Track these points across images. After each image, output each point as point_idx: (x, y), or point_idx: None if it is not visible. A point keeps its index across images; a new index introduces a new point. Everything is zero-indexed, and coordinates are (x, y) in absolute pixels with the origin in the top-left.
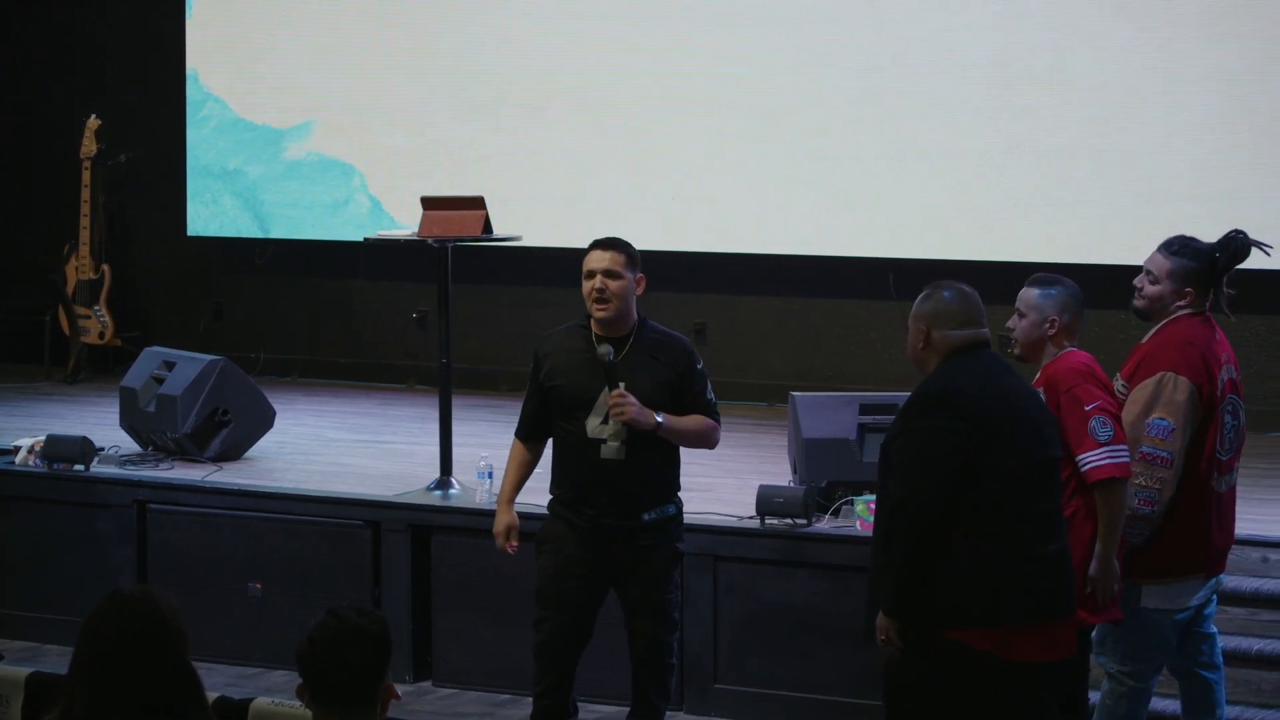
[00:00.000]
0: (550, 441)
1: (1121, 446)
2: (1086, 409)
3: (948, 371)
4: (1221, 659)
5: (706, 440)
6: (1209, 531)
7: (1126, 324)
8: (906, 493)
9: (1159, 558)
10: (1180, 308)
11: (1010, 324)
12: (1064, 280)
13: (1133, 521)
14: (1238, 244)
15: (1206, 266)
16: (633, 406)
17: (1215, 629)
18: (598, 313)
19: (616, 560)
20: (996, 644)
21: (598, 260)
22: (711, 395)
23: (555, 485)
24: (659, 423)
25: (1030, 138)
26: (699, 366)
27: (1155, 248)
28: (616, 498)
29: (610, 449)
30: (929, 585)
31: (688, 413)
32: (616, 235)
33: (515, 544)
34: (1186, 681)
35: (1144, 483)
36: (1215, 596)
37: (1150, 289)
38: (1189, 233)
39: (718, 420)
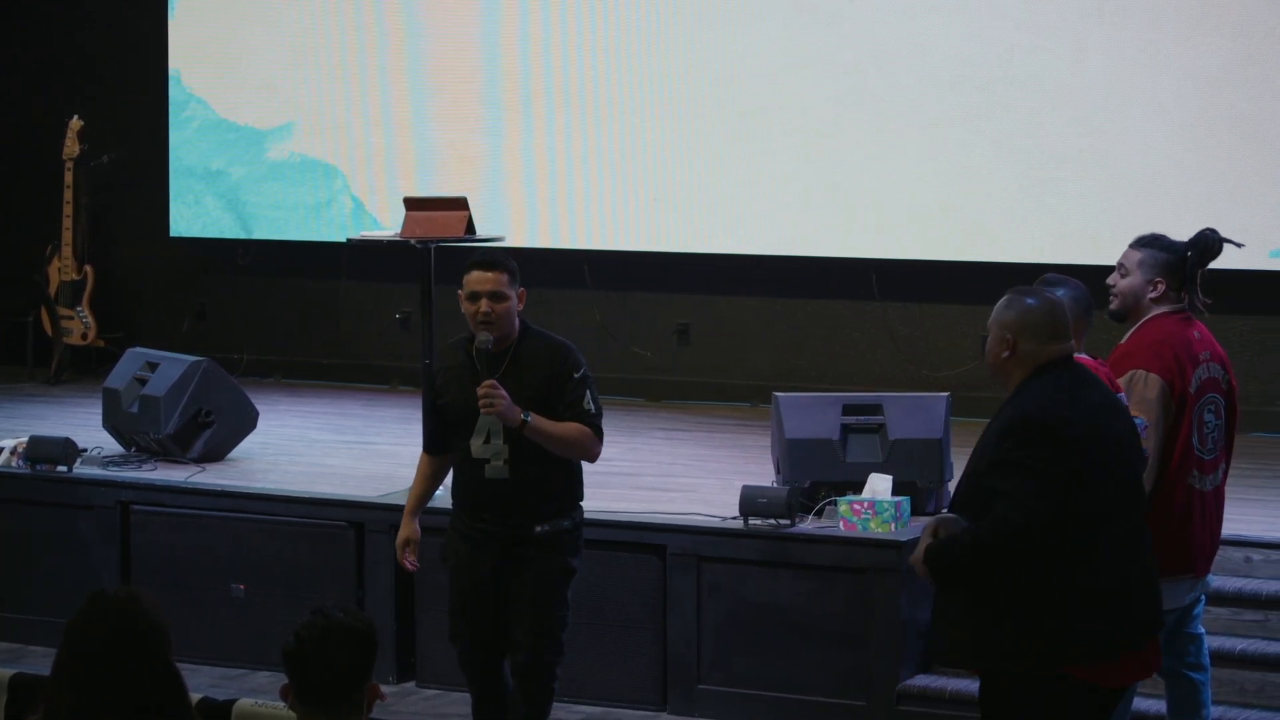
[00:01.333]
0: None
1: None
2: None
3: (1042, 394)
4: (1209, 660)
5: (580, 449)
6: (1190, 530)
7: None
8: (1018, 516)
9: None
10: (1154, 301)
11: (1110, 280)
12: (1070, 281)
13: None
14: (1209, 241)
15: (1177, 260)
16: (501, 400)
17: (1203, 629)
18: (480, 333)
19: (512, 566)
20: (1102, 673)
21: (480, 282)
22: (591, 406)
23: (453, 498)
24: (525, 420)
25: (1011, 139)
26: (577, 375)
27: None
28: (504, 514)
29: (494, 469)
30: (1036, 622)
31: (562, 420)
32: (495, 251)
33: (413, 559)
34: (1173, 682)
35: None
36: (1204, 597)
37: (1122, 283)
38: (1170, 233)
39: (598, 432)
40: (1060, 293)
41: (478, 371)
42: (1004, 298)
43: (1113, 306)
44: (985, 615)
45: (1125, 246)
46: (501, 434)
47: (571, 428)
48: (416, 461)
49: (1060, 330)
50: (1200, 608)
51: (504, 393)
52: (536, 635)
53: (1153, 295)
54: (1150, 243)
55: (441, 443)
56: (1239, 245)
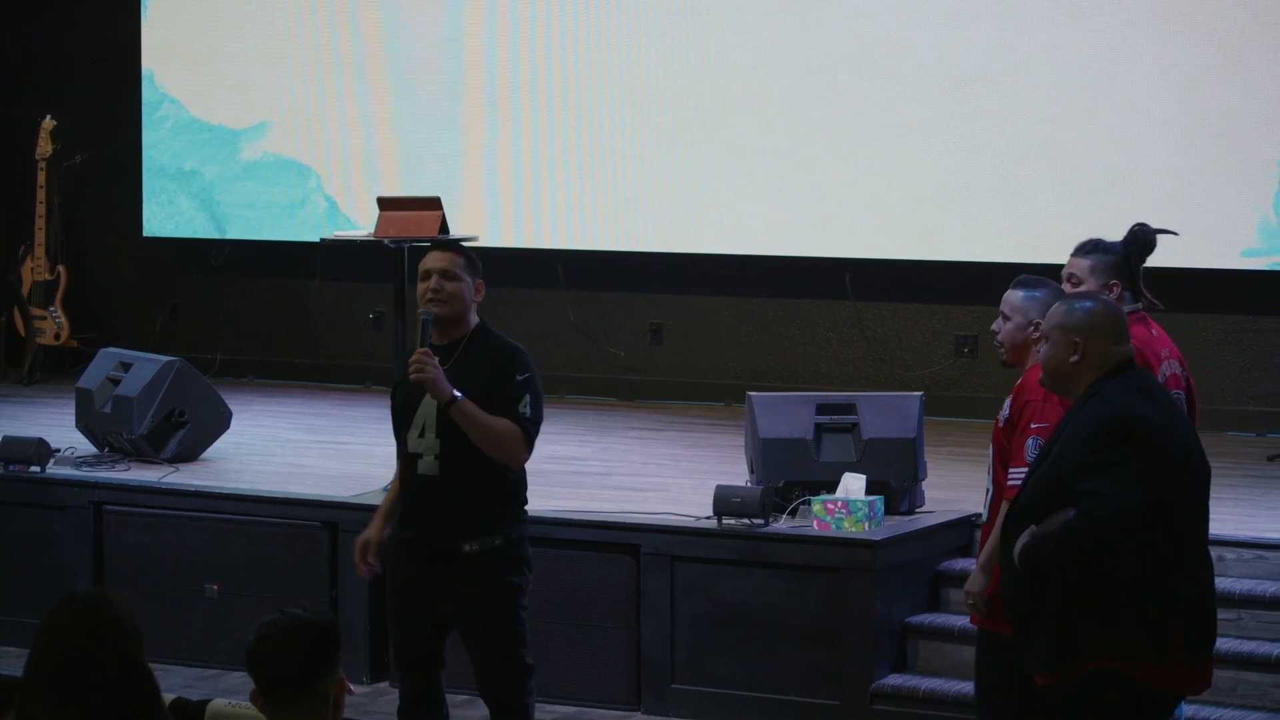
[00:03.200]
0: None
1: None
2: (1032, 426)
3: (1118, 395)
4: None
5: (504, 446)
6: None
7: None
8: (1110, 514)
9: None
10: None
11: (995, 327)
12: (1049, 282)
13: None
14: (1144, 236)
15: (1123, 261)
16: (433, 370)
17: None
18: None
19: (444, 587)
20: (1172, 680)
21: (435, 260)
22: (528, 410)
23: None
24: (455, 397)
25: (984, 138)
26: (520, 377)
27: (1070, 255)
28: (434, 518)
29: (425, 464)
30: (1106, 614)
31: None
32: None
33: (371, 563)
34: None
35: None
36: None
37: (1076, 292)
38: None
39: (528, 437)
40: (1038, 294)
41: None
42: (1056, 304)
43: None
44: (1070, 617)
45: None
46: (435, 428)
47: (501, 422)
48: (391, 461)
49: (1125, 331)
50: None
51: (437, 363)
52: (493, 660)
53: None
54: (1094, 248)
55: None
56: (1174, 234)
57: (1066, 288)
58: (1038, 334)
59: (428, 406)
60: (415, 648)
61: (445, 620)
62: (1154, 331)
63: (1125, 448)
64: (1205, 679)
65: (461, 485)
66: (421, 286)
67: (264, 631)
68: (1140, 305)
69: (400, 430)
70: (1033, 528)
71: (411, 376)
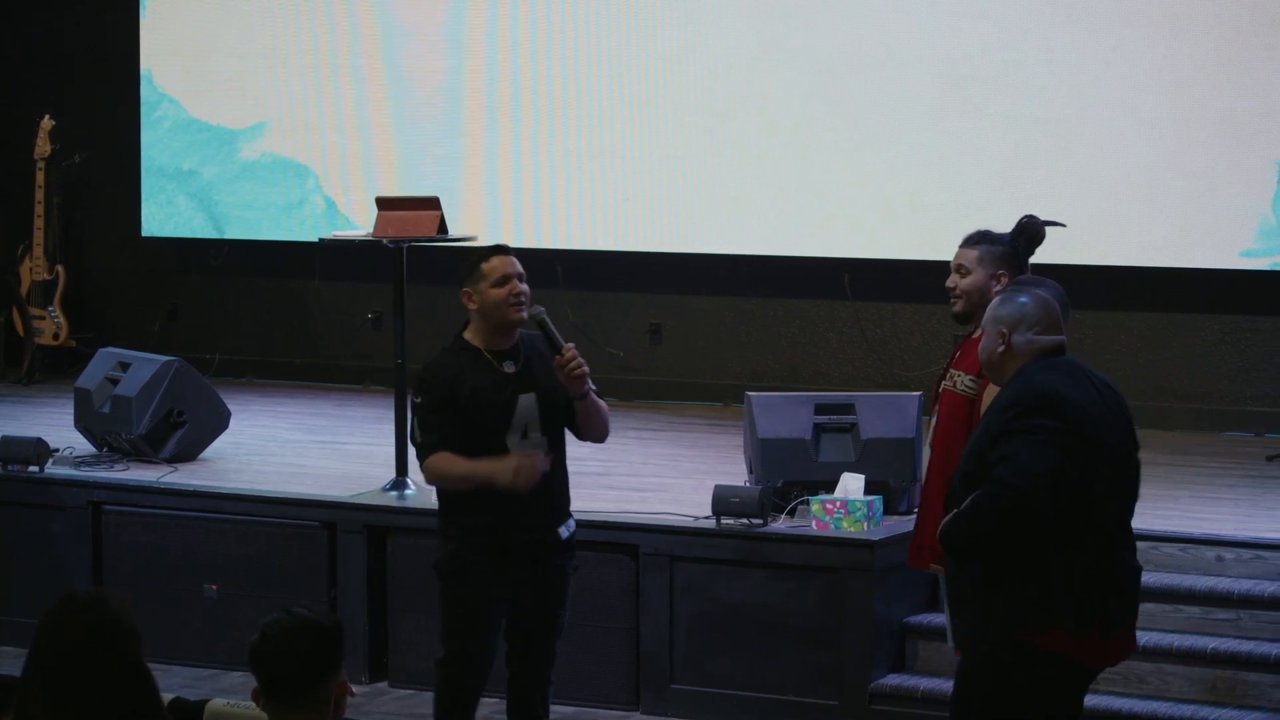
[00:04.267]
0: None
1: None
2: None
3: (1040, 376)
4: None
5: (607, 423)
6: None
7: (1081, 325)
8: (1016, 477)
9: None
10: (998, 294)
11: (950, 283)
12: (1046, 281)
13: None
14: (1033, 228)
15: (1011, 252)
16: (584, 364)
17: None
18: (515, 315)
19: (531, 582)
20: (1081, 650)
21: (510, 264)
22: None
23: (463, 510)
24: (592, 389)
25: (983, 138)
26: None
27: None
28: (543, 512)
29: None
30: (1018, 588)
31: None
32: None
33: (543, 460)
34: None
35: None
36: None
37: (964, 282)
38: (1141, 232)
39: None
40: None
41: (494, 367)
42: (998, 297)
43: (956, 309)
44: (984, 593)
45: (1095, 245)
46: (539, 425)
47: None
48: (391, 461)
49: (1054, 324)
50: None
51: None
52: (553, 638)
53: (997, 289)
54: (982, 239)
55: (455, 444)
56: (1062, 225)
57: (954, 279)
58: (999, 285)
59: (526, 407)
60: (491, 654)
61: (520, 611)
62: None
63: (1038, 418)
64: (1123, 651)
65: (559, 476)
66: (498, 292)
67: (268, 630)
68: None
69: (491, 435)
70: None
71: (575, 373)
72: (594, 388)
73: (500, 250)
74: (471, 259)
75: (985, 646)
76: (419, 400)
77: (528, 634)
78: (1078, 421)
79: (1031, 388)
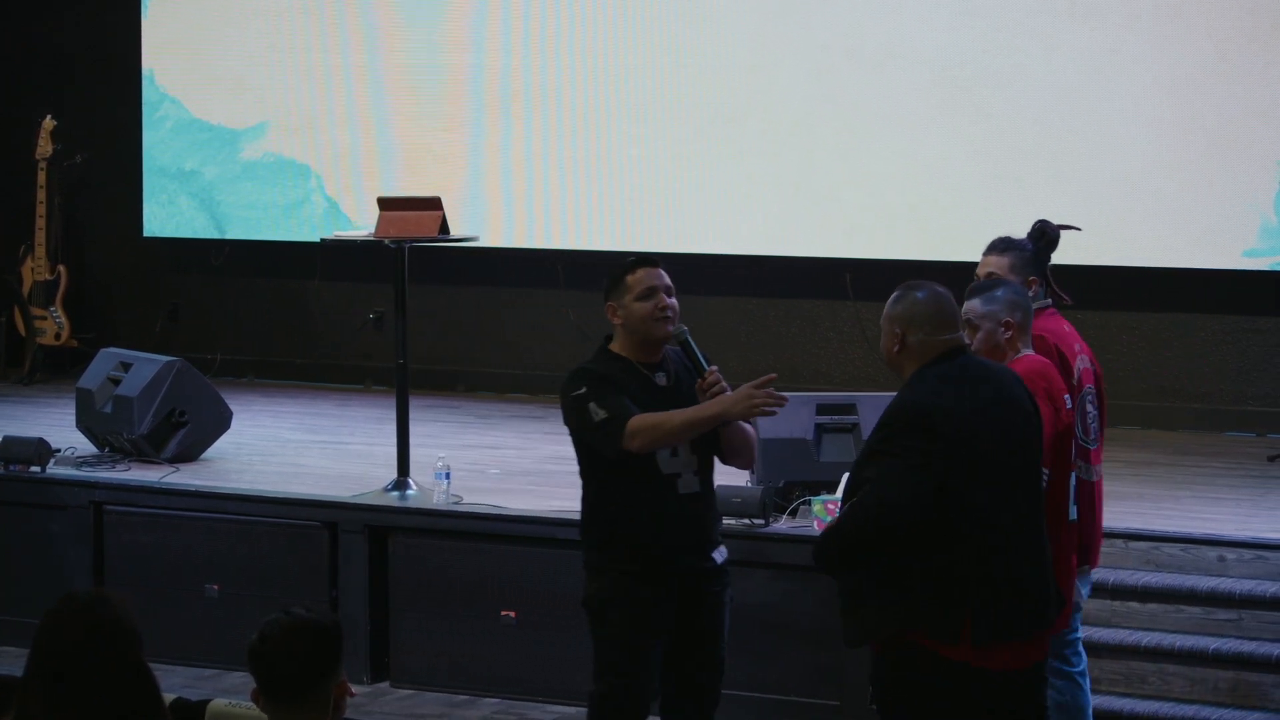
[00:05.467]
0: (593, 493)
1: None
2: None
3: (926, 385)
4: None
5: (754, 449)
6: (1083, 522)
7: (1080, 324)
8: (875, 502)
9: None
10: (1030, 299)
11: (965, 340)
12: (1004, 281)
13: None
14: (1051, 231)
15: (1034, 255)
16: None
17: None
18: (661, 331)
19: (684, 608)
20: (967, 655)
21: (655, 277)
22: None
23: (607, 536)
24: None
25: (984, 138)
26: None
27: (983, 254)
28: (696, 536)
29: (687, 482)
30: (895, 593)
31: None
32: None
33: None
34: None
35: None
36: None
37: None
38: (1142, 232)
39: None
40: (999, 294)
41: (648, 379)
42: (894, 293)
43: None
44: (863, 594)
45: (1097, 246)
46: (689, 444)
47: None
48: (392, 461)
49: (949, 321)
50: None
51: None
52: (719, 667)
53: (1029, 294)
54: (1010, 245)
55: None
56: (1078, 229)
57: None
58: (1009, 333)
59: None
60: (653, 681)
61: (682, 644)
62: (1065, 327)
63: (907, 439)
64: (1017, 659)
65: (710, 496)
66: (644, 306)
67: (267, 631)
68: (1050, 301)
69: (639, 456)
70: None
71: (711, 391)
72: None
73: (646, 261)
74: (616, 272)
75: (873, 642)
76: (582, 390)
77: (689, 672)
78: (954, 436)
79: (907, 404)
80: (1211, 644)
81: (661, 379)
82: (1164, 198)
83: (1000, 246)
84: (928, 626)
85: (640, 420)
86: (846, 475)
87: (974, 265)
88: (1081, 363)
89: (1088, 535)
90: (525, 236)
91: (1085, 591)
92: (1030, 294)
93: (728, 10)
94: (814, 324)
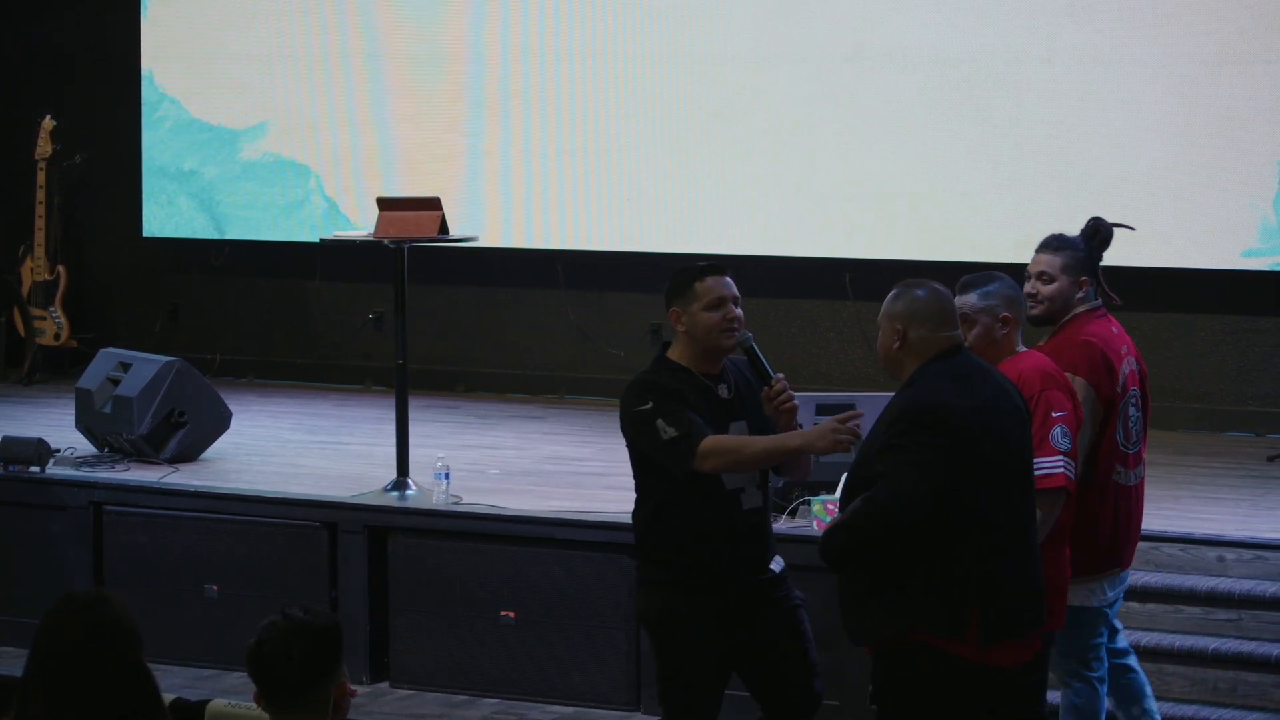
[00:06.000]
0: (653, 507)
1: (1074, 460)
2: (1054, 415)
3: (930, 382)
4: (1127, 643)
5: (810, 460)
6: (1118, 526)
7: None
8: (888, 497)
9: (1076, 556)
10: (1080, 301)
11: (1031, 288)
12: (998, 275)
13: None
14: (1105, 230)
15: (1087, 255)
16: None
17: (1120, 623)
18: (727, 342)
19: (753, 622)
20: (971, 652)
21: (728, 286)
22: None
23: (665, 550)
24: (799, 425)
25: (984, 138)
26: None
27: (1035, 252)
28: (759, 551)
29: (750, 496)
30: (900, 590)
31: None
32: (709, 260)
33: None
34: (1112, 675)
35: None
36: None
37: (1047, 289)
38: (1142, 232)
39: None
40: (994, 288)
41: (710, 390)
42: (892, 291)
43: (1037, 313)
44: (867, 593)
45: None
46: None
47: None
48: (391, 461)
49: (949, 319)
50: (1120, 602)
51: None
52: (812, 687)
53: (1080, 295)
54: (1064, 244)
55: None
56: (1131, 229)
57: (1036, 285)
58: (1006, 329)
59: (739, 434)
60: (718, 702)
61: (732, 661)
62: (1114, 329)
63: (920, 435)
64: (1018, 655)
65: (768, 512)
66: (711, 317)
67: (264, 634)
68: (1100, 302)
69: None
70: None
71: (784, 407)
72: (801, 423)
73: (715, 270)
74: (684, 277)
75: (877, 640)
76: (649, 405)
77: (780, 682)
78: (961, 434)
79: (918, 400)
80: (1211, 644)
81: (724, 391)
82: (1164, 198)
83: (1054, 244)
84: (932, 624)
85: (715, 443)
86: (845, 475)
87: (976, 264)
88: (1128, 366)
89: (1121, 538)
90: (525, 237)
91: (1112, 593)
92: (1080, 294)
93: (728, 10)
94: (814, 324)
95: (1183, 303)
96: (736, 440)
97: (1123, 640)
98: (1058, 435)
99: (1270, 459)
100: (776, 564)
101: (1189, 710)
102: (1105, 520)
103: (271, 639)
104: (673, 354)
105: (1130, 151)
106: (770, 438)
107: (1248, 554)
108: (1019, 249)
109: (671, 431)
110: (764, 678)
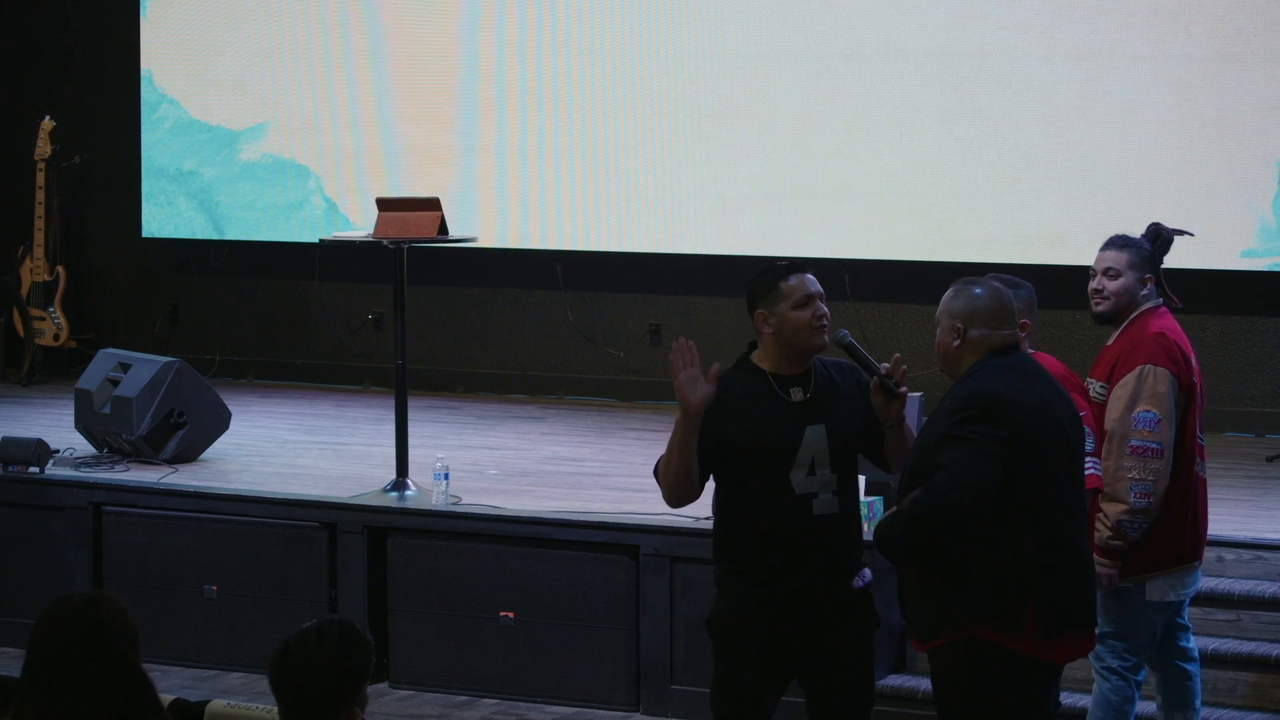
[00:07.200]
0: (719, 505)
1: (1096, 459)
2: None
3: (991, 377)
4: (1197, 651)
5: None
6: (1202, 518)
7: (1080, 324)
8: (951, 488)
9: (1163, 548)
10: (1145, 298)
11: (1097, 284)
12: (1023, 281)
13: (1132, 516)
14: (1166, 234)
15: (1150, 255)
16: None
17: (1189, 621)
18: (818, 340)
19: (815, 644)
20: (1029, 647)
21: (814, 283)
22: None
23: (737, 557)
24: (903, 419)
25: (983, 139)
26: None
27: (1100, 250)
28: (831, 560)
29: (824, 503)
30: (959, 586)
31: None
32: (797, 259)
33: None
34: (1164, 673)
35: (1138, 475)
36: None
37: (1113, 285)
38: (1141, 233)
39: None
40: (1021, 292)
41: (779, 394)
42: (951, 289)
43: (1102, 308)
44: (926, 591)
45: (1096, 246)
46: (828, 462)
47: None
48: (391, 462)
49: (1008, 317)
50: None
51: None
52: (865, 701)
53: (1144, 293)
54: (1128, 243)
55: (702, 477)
56: (1190, 235)
57: (1103, 281)
58: (1024, 334)
59: (815, 439)
60: (768, 709)
61: (794, 669)
62: (1178, 327)
63: (983, 425)
64: (1073, 651)
65: (852, 519)
66: (800, 316)
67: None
68: (1161, 301)
69: (770, 475)
70: (894, 508)
71: (900, 392)
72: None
73: (798, 268)
74: (767, 277)
75: (937, 640)
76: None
77: (833, 703)
78: (1023, 427)
79: (980, 392)
80: (1210, 644)
81: (797, 394)
82: (1162, 198)
83: (1119, 243)
84: (990, 620)
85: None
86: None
87: (975, 265)
88: (1195, 360)
89: (1201, 532)
90: (524, 237)
91: (1186, 591)
92: (1144, 292)
93: (726, 10)
94: None
95: (1182, 303)
96: (668, 449)
97: (1191, 641)
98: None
99: (1269, 459)
100: (860, 579)
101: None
102: (1189, 513)
103: (302, 646)
104: (755, 355)
105: (1129, 152)
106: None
107: (1247, 554)
108: (1017, 249)
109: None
110: (815, 699)
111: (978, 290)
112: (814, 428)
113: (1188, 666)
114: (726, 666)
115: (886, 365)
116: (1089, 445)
